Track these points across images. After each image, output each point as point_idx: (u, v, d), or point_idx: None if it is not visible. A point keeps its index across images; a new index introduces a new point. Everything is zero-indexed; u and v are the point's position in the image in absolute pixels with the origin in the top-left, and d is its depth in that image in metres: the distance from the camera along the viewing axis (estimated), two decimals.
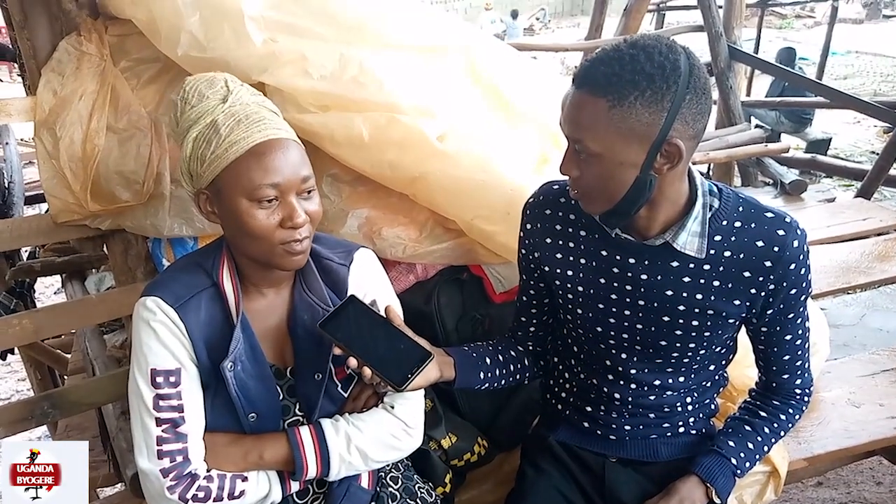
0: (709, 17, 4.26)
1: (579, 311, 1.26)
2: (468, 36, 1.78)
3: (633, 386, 1.28)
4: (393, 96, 1.53)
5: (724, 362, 1.32)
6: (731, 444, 1.27)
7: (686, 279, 1.15)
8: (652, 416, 1.31)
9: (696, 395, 1.31)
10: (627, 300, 1.20)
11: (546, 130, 1.73)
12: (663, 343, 1.22)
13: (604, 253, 1.20)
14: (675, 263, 1.15)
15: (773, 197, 3.47)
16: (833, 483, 2.68)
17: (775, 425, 1.29)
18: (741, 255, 1.12)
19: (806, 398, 1.30)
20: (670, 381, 1.26)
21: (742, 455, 1.27)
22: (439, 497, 1.41)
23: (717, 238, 1.13)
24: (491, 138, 1.61)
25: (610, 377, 1.29)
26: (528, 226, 1.30)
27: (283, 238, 1.07)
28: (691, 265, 1.14)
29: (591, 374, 1.32)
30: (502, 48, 1.88)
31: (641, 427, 1.32)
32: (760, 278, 1.12)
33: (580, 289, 1.24)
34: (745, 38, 4.68)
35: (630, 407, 1.30)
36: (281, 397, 1.18)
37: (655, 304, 1.18)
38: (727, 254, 1.12)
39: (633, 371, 1.26)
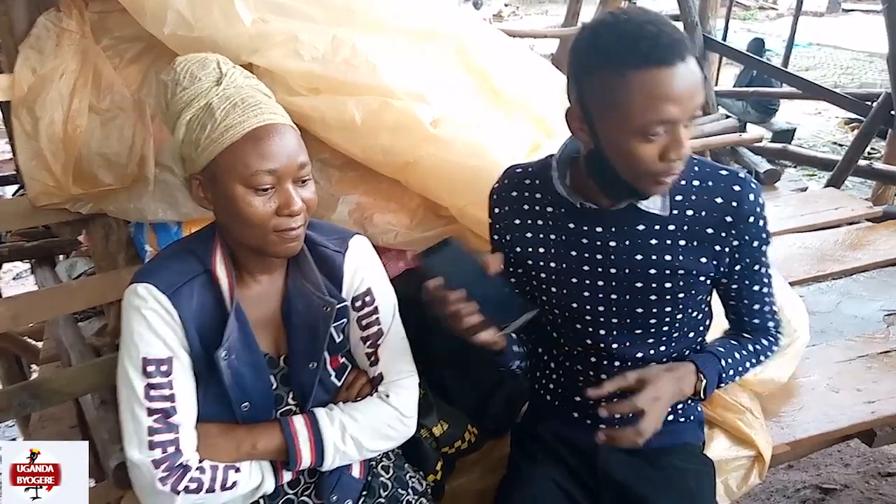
0: (685, 6, 4.29)
1: (554, 289, 1.25)
2: (460, 21, 1.76)
3: (616, 363, 1.27)
4: (386, 80, 1.51)
5: (701, 328, 1.33)
6: (720, 349, 1.27)
7: (653, 241, 1.17)
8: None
9: None
10: (599, 270, 1.20)
11: (536, 117, 1.72)
12: (639, 310, 1.22)
13: (571, 225, 1.20)
14: (640, 227, 1.17)
15: None
16: (804, 466, 2.75)
17: (757, 347, 1.31)
18: (703, 213, 1.15)
19: (780, 336, 1.33)
20: (652, 352, 1.26)
21: (729, 360, 1.26)
22: (430, 485, 1.41)
23: (678, 197, 1.15)
24: (484, 125, 1.60)
25: (593, 359, 1.29)
26: (497, 210, 1.29)
27: (278, 225, 1.04)
28: (657, 226, 1.16)
29: (575, 360, 1.32)
30: (494, 34, 1.87)
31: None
32: (723, 234, 1.16)
33: (553, 265, 1.24)
34: (715, 28, 4.73)
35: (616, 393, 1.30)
36: (274, 386, 1.16)
37: (627, 271, 1.19)
38: (689, 212, 1.16)
39: (614, 346, 1.26)
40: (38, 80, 1.47)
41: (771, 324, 1.31)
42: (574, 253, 1.21)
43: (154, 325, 1.05)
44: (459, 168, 1.51)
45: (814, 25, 13.50)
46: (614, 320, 1.25)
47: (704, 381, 1.21)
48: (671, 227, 1.17)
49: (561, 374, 1.37)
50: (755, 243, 1.18)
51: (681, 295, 1.21)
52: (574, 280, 1.23)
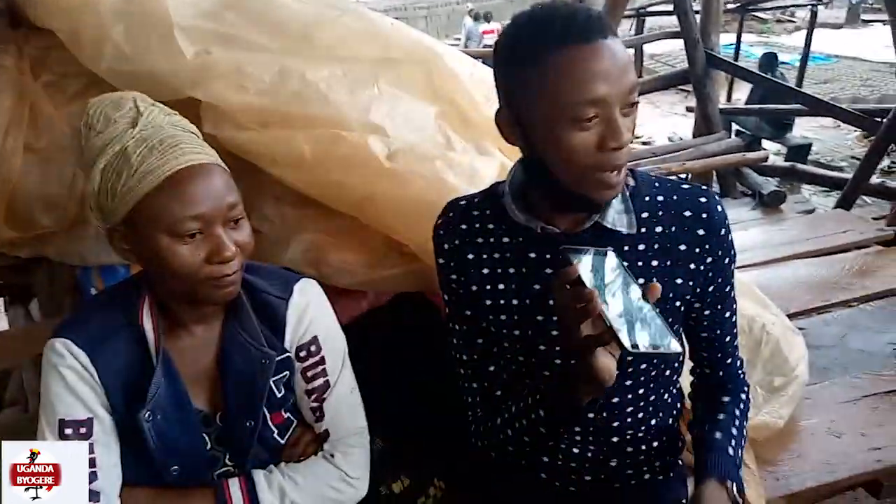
0: (686, 22, 4.19)
1: (517, 331, 1.12)
2: (427, 47, 1.68)
3: (590, 414, 1.15)
4: (338, 112, 1.43)
5: (676, 365, 1.21)
6: (717, 436, 1.15)
7: (624, 263, 1.04)
8: (613, 462, 1.19)
9: (658, 414, 1.20)
10: None
11: (508, 145, 1.63)
12: None
13: (532, 255, 1.09)
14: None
15: (751, 208, 3.41)
16: None
17: (741, 406, 1.21)
18: (673, 228, 1.09)
19: (745, 377, 1.26)
20: (629, 395, 1.14)
21: (733, 443, 1.16)
22: None
23: (645, 215, 1.08)
24: (446, 156, 1.50)
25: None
26: (445, 246, 1.15)
27: (210, 274, 0.97)
28: (626, 247, 1.07)
29: (541, 421, 1.09)
30: (464, 60, 1.79)
31: (603, 476, 1.20)
32: (697, 249, 1.09)
33: (515, 302, 1.11)
34: (726, 42, 4.63)
35: (591, 441, 1.18)
36: (209, 447, 1.09)
37: None
38: (658, 229, 1.08)
39: None
40: None
41: (738, 363, 1.24)
42: (538, 286, 1.10)
43: (72, 384, 0.99)
44: (417, 204, 1.41)
45: (833, 37, 13.36)
46: None
47: (734, 484, 1.10)
48: (641, 247, 1.08)
49: (524, 435, 1.16)
50: (726, 260, 1.12)
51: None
52: (539, 318, 1.11)
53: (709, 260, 1.10)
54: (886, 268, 2.56)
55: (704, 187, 1.14)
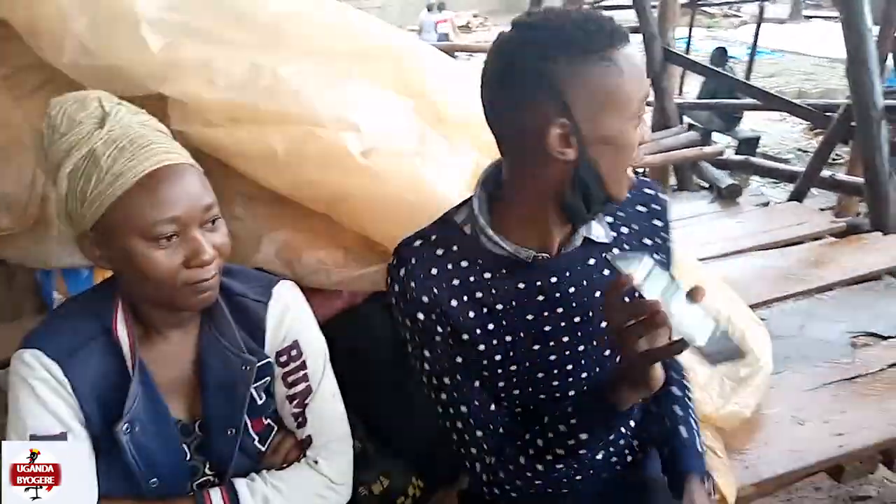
0: (644, 17, 4.25)
1: (513, 367, 1.08)
2: (399, 41, 1.66)
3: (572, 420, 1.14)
4: (311, 108, 1.40)
5: None
6: (684, 433, 1.17)
7: (606, 272, 1.06)
8: (612, 449, 1.14)
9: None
10: (562, 324, 1.06)
11: (482, 142, 1.62)
12: (606, 354, 1.11)
13: (521, 286, 1.04)
14: (591, 261, 1.06)
15: (709, 202, 3.48)
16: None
17: (689, 393, 1.23)
18: (635, 227, 1.11)
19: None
20: None
21: (698, 436, 1.18)
22: None
23: (609, 219, 1.09)
24: (422, 153, 1.49)
25: (562, 428, 1.05)
26: (424, 299, 1.02)
27: (188, 279, 0.93)
28: (606, 256, 1.05)
29: (540, 452, 1.07)
30: (436, 55, 1.77)
31: (605, 472, 1.17)
32: (658, 240, 1.12)
33: (508, 339, 1.06)
34: (676, 37, 4.71)
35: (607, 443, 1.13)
36: (188, 457, 1.06)
37: (590, 314, 1.06)
38: (624, 230, 1.10)
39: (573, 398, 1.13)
40: None
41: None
42: (530, 317, 1.05)
43: (43, 397, 0.95)
44: (394, 202, 1.39)
45: (777, 32, 13.71)
46: (583, 375, 1.11)
47: (709, 479, 1.15)
48: (616, 251, 1.07)
49: (519, 471, 1.12)
50: (671, 245, 1.16)
51: None
52: (536, 347, 1.07)
53: (668, 248, 1.13)
54: (840, 259, 2.65)
55: (644, 178, 1.15)
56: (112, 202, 0.89)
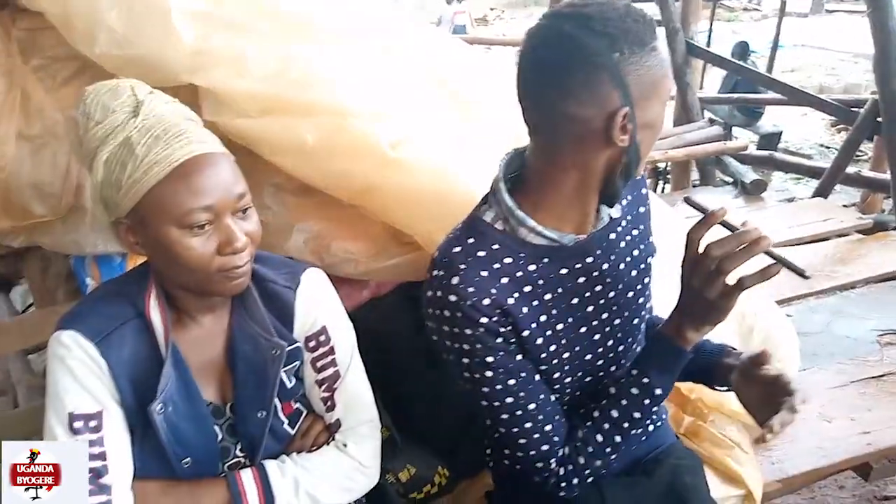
0: (666, 11, 4.21)
1: (566, 355, 1.10)
2: (429, 35, 1.66)
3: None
4: (342, 99, 1.40)
5: None
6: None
7: (622, 244, 1.12)
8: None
9: None
10: (601, 302, 1.10)
11: (511, 134, 1.62)
12: (636, 321, 1.16)
13: (563, 271, 1.07)
14: (612, 235, 1.11)
15: (733, 197, 3.44)
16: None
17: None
18: (628, 196, 1.15)
19: None
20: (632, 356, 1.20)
21: None
22: None
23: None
24: (451, 146, 1.49)
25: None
26: (486, 301, 1.00)
27: (222, 265, 0.95)
28: (619, 227, 1.12)
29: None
30: (466, 49, 1.77)
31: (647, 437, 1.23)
32: (646, 207, 1.19)
33: (559, 327, 1.08)
34: (697, 31, 4.66)
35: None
36: (220, 438, 1.07)
37: (621, 287, 1.12)
38: (624, 202, 1.13)
39: (612, 372, 1.17)
40: None
41: None
42: (575, 300, 1.08)
43: (80, 377, 0.97)
44: (423, 194, 1.40)
45: (799, 26, 13.53)
46: (620, 348, 1.15)
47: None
48: (624, 223, 1.13)
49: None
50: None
51: (650, 284, 1.20)
52: (583, 330, 1.10)
53: (650, 234, 1.19)
54: (867, 256, 2.62)
55: None
56: (147, 190, 0.91)
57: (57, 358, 0.97)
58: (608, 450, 1.09)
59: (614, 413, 1.08)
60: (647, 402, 1.07)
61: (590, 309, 1.10)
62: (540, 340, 1.06)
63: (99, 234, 1.48)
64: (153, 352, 1.00)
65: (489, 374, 1.04)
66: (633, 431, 1.09)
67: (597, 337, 1.12)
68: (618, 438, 1.09)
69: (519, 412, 1.06)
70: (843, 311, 2.29)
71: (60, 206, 1.44)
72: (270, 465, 1.07)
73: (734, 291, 0.94)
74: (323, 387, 1.13)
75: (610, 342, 1.14)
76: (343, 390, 1.14)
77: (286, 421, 1.11)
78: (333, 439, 1.13)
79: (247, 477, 1.05)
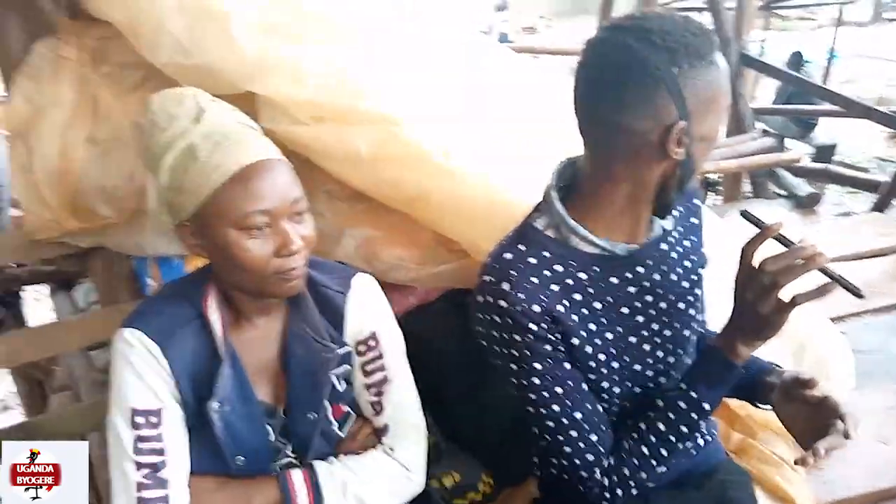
0: (719, 20, 4.14)
1: (615, 364, 1.09)
2: (482, 46, 1.68)
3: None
4: (395, 108, 1.43)
5: None
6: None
7: (674, 255, 1.12)
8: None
9: None
10: (651, 312, 1.10)
11: (565, 144, 1.62)
12: (686, 333, 1.15)
13: (614, 280, 1.07)
14: (664, 246, 1.10)
15: (787, 210, 3.37)
16: None
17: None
18: (680, 209, 1.15)
19: None
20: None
21: None
22: None
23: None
24: (501, 155, 1.50)
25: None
26: (536, 308, 1.01)
27: (279, 267, 0.98)
28: (670, 239, 1.11)
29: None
30: (519, 59, 1.78)
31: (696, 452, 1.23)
32: (699, 218, 1.19)
33: (609, 336, 1.08)
34: (749, 39, 4.57)
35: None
36: (272, 437, 1.10)
37: (672, 297, 1.11)
38: (676, 213, 1.13)
39: (661, 384, 1.16)
40: (33, 111, 1.43)
41: None
42: (625, 310, 1.09)
43: (143, 374, 1.01)
44: (473, 202, 1.42)
45: (856, 35, 13.14)
46: (670, 359, 1.14)
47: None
48: (676, 234, 1.12)
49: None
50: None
51: (701, 295, 1.19)
52: (633, 340, 1.10)
53: (702, 245, 1.19)
54: None
55: None
56: (209, 194, 0.95)
57: (121, 355, 1.01)
58: (654, 462, 1.08)
59: (661, 426, 1.07)
60: (694, 415, 1.06)
61: (640, 319, 1.10)
62: (589, 349, 1.06)
63: (160, 236, 1.53)
64: (211, 352, 1.04)
65: (537, 380, 1.04)
66: (681, 445, 1.08)
67: (646, 347, 1.11)
68: (664, 452, 1.07)
69: (565, 420, 1.06)
70: None
71: (125, 209, 1.49)
72: (320, 466, 1.09)
73: (787, 307, 0.93)
74: (372, 391, 1.16)
75: (659, 353, 1.13)
76: (391, 395, 1.16)
77: (336, 423, 1.14)
78: (381, 443, 1.15)
79: (297, 477, 1.07)
